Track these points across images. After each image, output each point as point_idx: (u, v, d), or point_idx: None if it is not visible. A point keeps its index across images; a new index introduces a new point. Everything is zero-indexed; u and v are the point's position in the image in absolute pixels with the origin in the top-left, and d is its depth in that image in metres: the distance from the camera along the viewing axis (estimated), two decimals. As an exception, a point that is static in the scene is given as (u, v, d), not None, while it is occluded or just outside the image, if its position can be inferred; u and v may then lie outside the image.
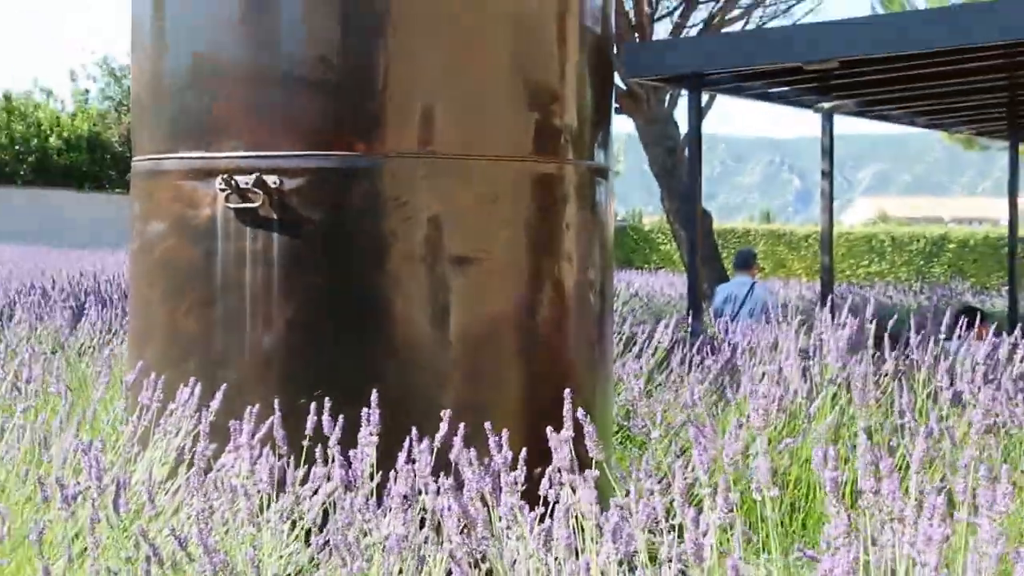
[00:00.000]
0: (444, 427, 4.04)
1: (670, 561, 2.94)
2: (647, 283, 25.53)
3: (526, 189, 5.33)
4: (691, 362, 7.58)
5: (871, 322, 6.83)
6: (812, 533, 5.29)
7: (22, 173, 38.93)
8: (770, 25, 23.11)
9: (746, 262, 15.27)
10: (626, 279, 25.70)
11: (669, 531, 3.11)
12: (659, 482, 3.57)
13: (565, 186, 5.42)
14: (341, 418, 4.16)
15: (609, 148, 5.75)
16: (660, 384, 7.59)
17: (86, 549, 3.59)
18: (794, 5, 23.79)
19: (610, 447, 5.60)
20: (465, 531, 2.92)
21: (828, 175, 17.93)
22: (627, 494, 3.34)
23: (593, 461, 3.61)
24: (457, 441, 3.74)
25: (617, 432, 6.76)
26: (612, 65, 5.95)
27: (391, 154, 5.08)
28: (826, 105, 16.97)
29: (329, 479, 3.87)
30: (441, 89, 5.12)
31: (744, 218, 67.20)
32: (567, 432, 3.54)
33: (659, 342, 8.29)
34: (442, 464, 3.75)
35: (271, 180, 4.99)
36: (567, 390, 4.03)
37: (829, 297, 12.52)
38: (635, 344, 8.41)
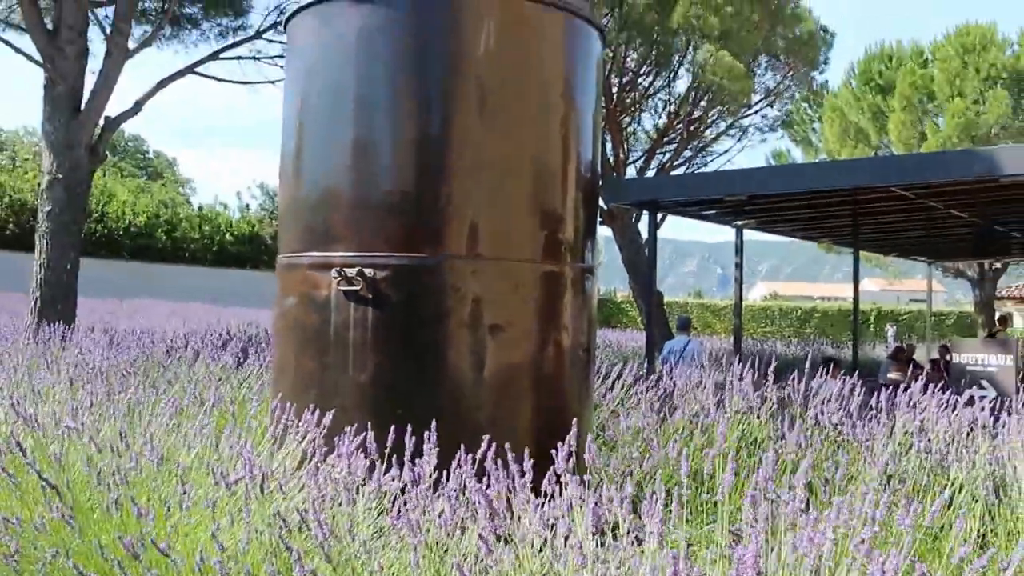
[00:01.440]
0: (484, 446, 3.94)
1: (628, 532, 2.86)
2: (618, 338, 25.43)
3: (539, 281, 5.32)
4: (646, 392, 7.48)
5: (765, 367, 6.75)
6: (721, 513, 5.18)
7: (208, 257, 39.27)
8: (702, 170, 23.19)
9: (684, 325, 15.21)
10: (604, 335, 25.64)
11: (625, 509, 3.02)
12: (622, 474, 3.50)
13: (564, 280, 5.40)
14: (411, 434, 4.08)
15: (595, 252, 5.75)
16: (627, 407, 7.49)
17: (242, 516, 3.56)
18: (716, 158, 23.85)
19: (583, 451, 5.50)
20: (490, 516, 2.83)
21: (739, 267, 17.93)
22: (599, 483, 3.25)
23: (582, 467, 3.55)
24: (489, 454, 3.64)
25: (596, 439, 6.66)
26: (598, 198, 5.91)
27: (448, 256, 5.05)
28: (738, 223, 16.97)
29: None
30: (483, 214, 5.12)
31: (684, 295, 67.00)
32: (567, 448, 3.44)
33: (625, 379, 8.20)
34: (481, 468, 3.70)
35: (368, 271, 5.02)
36: (564, 415, 3.99)
37: (739, 347, 12.45)
38: (609, 378, 8.34)
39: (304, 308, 5.32)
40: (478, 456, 3.72)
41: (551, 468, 3.65)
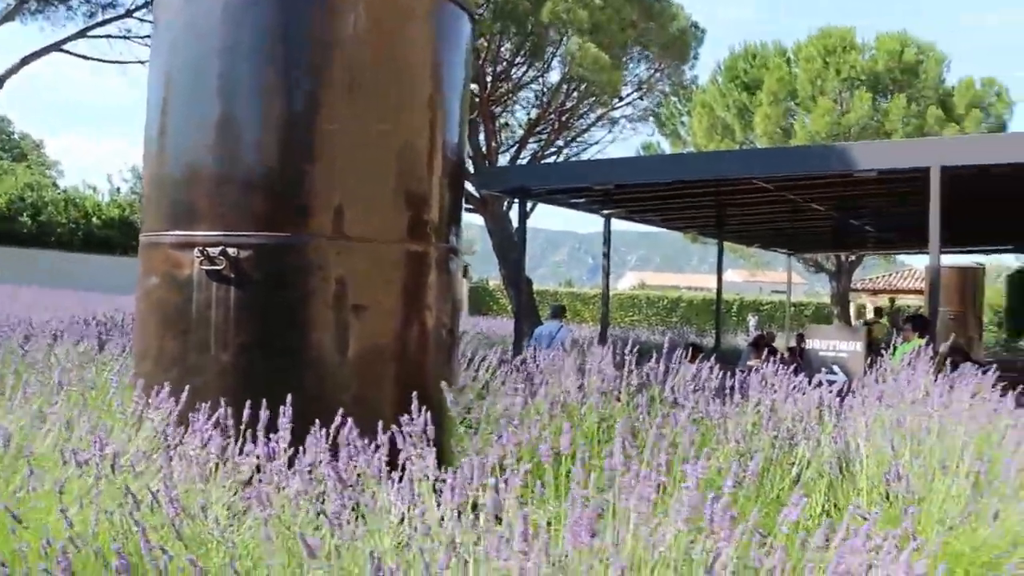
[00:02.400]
0: (342, 421, 3.89)
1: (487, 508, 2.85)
2: (489, 326, 25.46)
3: (403, 261, 5.29)
4: (510, 374, 7.50)
5: (629, 352, 6.83)
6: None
7: (75, 242, 37.84)
8: (573, 159, 23.36)
9: (557, 312, 15.34)
10: (476, 323, 25.67)
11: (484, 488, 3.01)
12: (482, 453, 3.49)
13: (429, 260, 5.37)
14: (266, 410, 4.01)
15: (459, 234, 5.73)
16: (493, 389, 7.50)
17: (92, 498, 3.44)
18: (587, 148, 24.04)
19: (455, 431, 5.50)
20: (342, 488, 2.79)
21: (607, 256, 18.18)
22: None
23: (435, 441, 3.53)
24: (344, 430, 3.59)
25: (461, 422, 6.65)
26: (463, 180, 5.90)
27: (313, 235, 4.98)
28: (606, 211, 17.17)
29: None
30: (348, 194, 5.06)
31: (555, 284, 67.60)
32: (419, 422, 3.41)
33: (491, 363, 8.23)
34: (338, 445, 3.65)
35: (231, 251, 4.91)
36: (428, 395, 3.98)
37: (607, 334, 12.61)
38: (477, 363, 8.36)
39: (166, 288, 5.17)
40: (332, 432, 3.67)
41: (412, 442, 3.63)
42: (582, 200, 16.05)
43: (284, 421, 3.71)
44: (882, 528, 3.86)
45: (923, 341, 8.87)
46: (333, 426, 3.77)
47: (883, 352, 7.89)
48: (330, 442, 3.54)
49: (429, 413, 3.93)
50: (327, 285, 5.03)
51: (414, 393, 4.10)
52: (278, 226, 4.97)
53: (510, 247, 20.70)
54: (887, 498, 4.51)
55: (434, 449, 3.45)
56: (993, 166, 10.79)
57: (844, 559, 2.20)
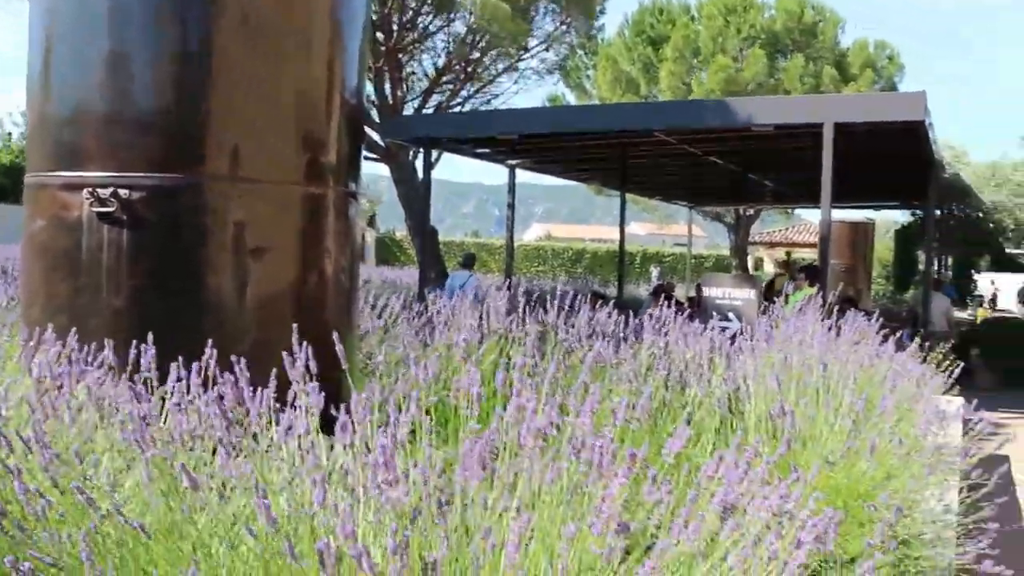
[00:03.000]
0: (209, 352, 3.76)
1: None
2: (396, 275, 25.32)
3: (301, 204, 5.19)
4: (412, 319, 7.46)
5: (530, 299, 6.84)
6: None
7: (-40, 191, 35.94)
8: (479, 109, 23.18)
9: (468, 262, 15.28)
10: (381, 273, 25.48)
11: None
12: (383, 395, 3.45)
13: (328, 203, 5.28)
14: (153, 350, 3.89)
15: (358, 179, 5.65)
16: (395, 335, 7.46)
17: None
18: (493, 99, 23.86)
19: (356, 375, 5.44)
20: (228, 427, 2.72)
21: (511, 206, 18.16)
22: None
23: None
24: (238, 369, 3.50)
25: (364, 368, 6.60)
26: (363, 124, 5.80)
27: (208, 177, 4.85)
28: (512, 162, 17.13)
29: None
30: (244, 135, 4.94)
31: (462, 235, 67.50)
32: (301, 363, 3.34)
33: (393, 309, 8.19)
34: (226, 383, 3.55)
35: (123, 192, 4.74)
36: (327, 338, 3.91)
37: (509, 283, 12.62)
38: (380, 309, 8.32)
39: (55, 231, 4.98)
40: (207, 371, 3.58)
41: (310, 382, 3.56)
42: (487, 150, 15.98)
43: (175, 365, 3.60)
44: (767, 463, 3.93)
45: (814, 290, 9.06)
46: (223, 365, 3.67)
47: (776, 300, 8.02)
48: (217, 379, 3.45)
49: (328, 355, 3.85)
50: (224, 227, 4.91)
51: (312, 336, 4.02)
52: (172, 167, 4.83)
53: (416, 197, 20.50)
54: (774, 436, 4.60)
55: (331, 390, 3.39)
56: (883, 123, 11.02)
57: (730, 488, 2.22)
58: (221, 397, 2.70)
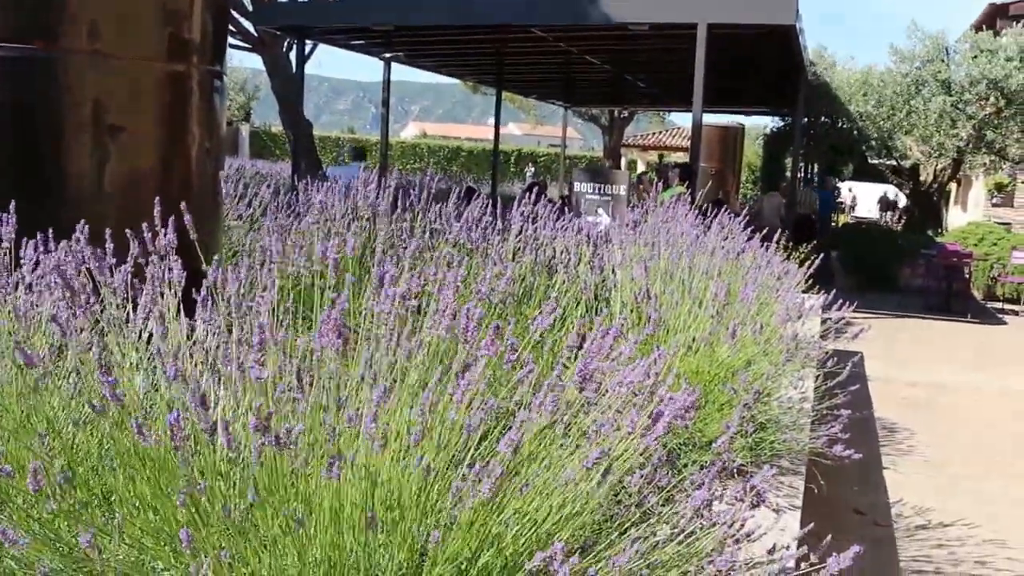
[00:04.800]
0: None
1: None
2: (270, 168, 24.70)
3: (163, 81, 4.93)
4: (281, 209, 7.29)
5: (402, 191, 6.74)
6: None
7: None
8: None
9: (359, 155, 15.07)
10: (255, 166, 24.82)
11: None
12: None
13: (191, 82, 5.03)
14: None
15: (223, 59, 5.39)
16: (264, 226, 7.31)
17: None
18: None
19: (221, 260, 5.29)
20: (73, 297, 2.58)
21: (386, 104, 17.86)
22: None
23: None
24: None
25: (233, 256, 6.45)
26: (227, 2, 5.55)
27: (63, 50, 4.56)
28: (387, 55, 16.78)
29: None
30: (103, 6, 4.63)
31: (338, 131, 66.35)
32: (162, 240, 3.21)
33: (264, 198, 8.04)
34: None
35: (-31, 62, 4.41)
36: (191, 225, 3.74)
37: (384, 176, 12.46)
38: (250, 197, 8.17)
39: None
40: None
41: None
42: (361, 42, 15.60)
43: (31, 246, 3.42)
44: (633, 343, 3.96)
45: (684, 189, 9.16)
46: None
47: (647, 195, 8.07)
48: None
49: (190, 239, 3.70)
50: (80, 106, 4.63)
51: (172, 220, 3.85)
52: (23, 39, 4.52)
53: (290, 90, 19.96)
54: (639, 322, 4.64)
55: (193, 275, 3.27)
56: (755, 26, 11.10)
57: (590, 360, 2.20)
58: (61, 266, 2.55)
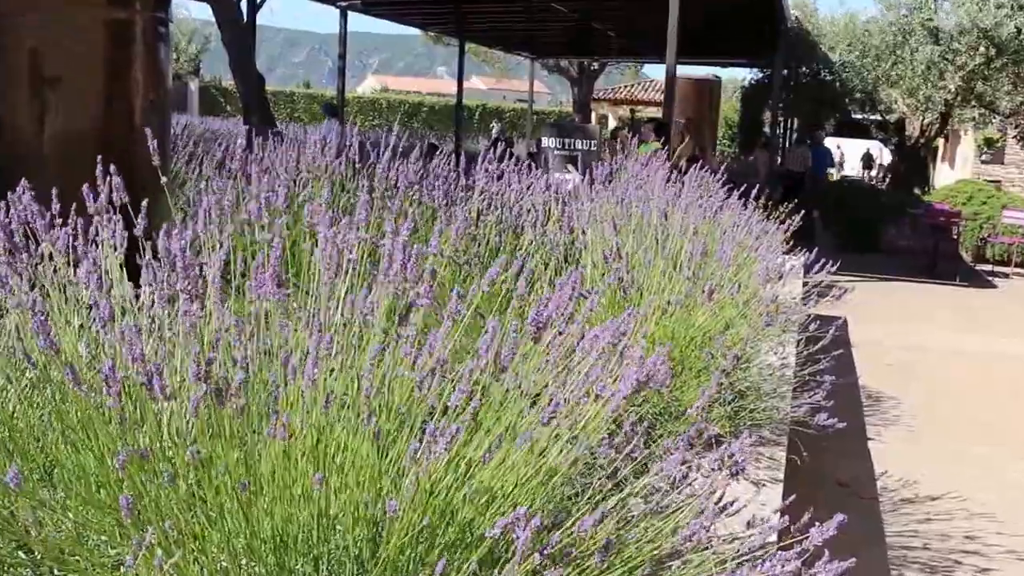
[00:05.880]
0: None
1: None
2: (222, 125, 24.44)
3: (105, 28, 4.86)
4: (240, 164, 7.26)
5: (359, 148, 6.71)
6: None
7: None
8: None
9: (333, 111, 15.05)
10: (207, 124, 24.55)
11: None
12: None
13: (134, 29, 4.96)
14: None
15: (168, 6, 5.32)
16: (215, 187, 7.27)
17: None
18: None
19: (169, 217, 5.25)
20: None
21: (343, 57, 17.73)
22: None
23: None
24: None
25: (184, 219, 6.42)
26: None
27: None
28: (343, 3, 16.64)
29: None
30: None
31: (294, 85, 65.77)
32: (104, 197, 3.18)
33: (216, 156, 7.99)
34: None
35: None
36: (137, 183, 3.70)
37: (342, 133, 12.41)
38: (200, 156, 8.14)
39: None
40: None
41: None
42: (316, -12, 15.48)
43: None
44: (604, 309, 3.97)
45: (659, 145, 9.17)
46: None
47: (621, 152, 8.07)
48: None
49: (134, 197, 3.67)
50: (16, 54, 4.60)
51: (118, 179, 3.81)
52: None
53: (241, 42, 19.72)
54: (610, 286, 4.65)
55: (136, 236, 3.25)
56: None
57: (543, 309, 2.20)
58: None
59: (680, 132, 14.60)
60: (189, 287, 2.18)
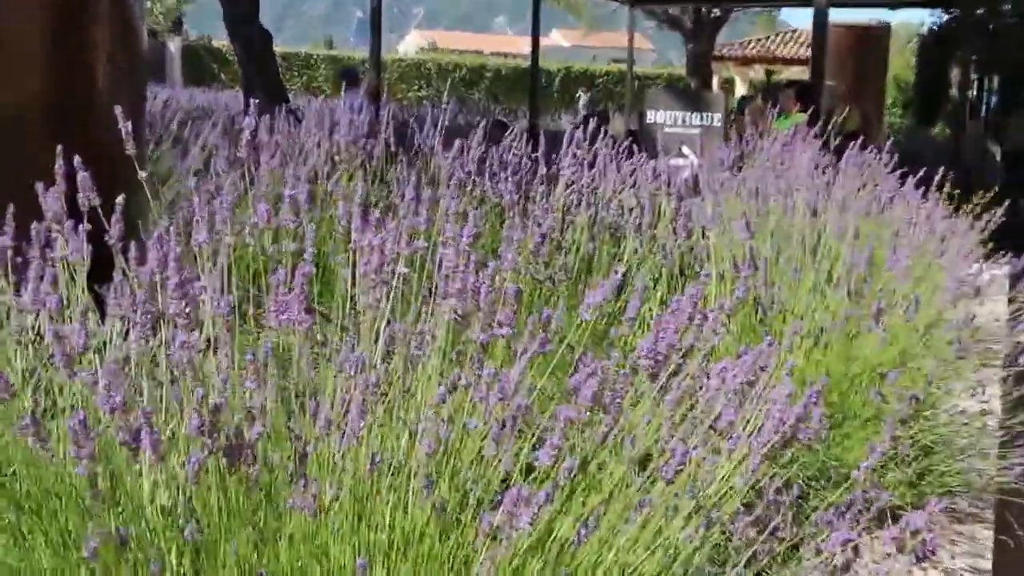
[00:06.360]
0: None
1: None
2: (213, 98, 24.78)
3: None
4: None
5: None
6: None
7: None
8: None
9: (353, 76, 15.31)
10: (192, 96, 24.89)
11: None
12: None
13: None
14: None
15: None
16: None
17: None
18: None
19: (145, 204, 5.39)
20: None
21: (377, 7, 17.86)
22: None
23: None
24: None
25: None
26: None
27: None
28: (375, -69, 16.80)
29: None
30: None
31: (310, 44, 66.15)
32: (60, 187, 3.28)
33: (208, 141, 8.14)
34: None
35: None
36: (103, 159, 3.82)
37: (378, 108, 12.52)
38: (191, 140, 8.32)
39: None
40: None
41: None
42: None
43: None
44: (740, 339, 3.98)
45: (805, 116, 9.12)
46: None
47: (756, 128, 8.05)
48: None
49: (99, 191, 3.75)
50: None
51: (77, 159, 3.91)
52: None
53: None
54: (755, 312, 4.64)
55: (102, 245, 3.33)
56: None
57: (665, 332, 2.21)
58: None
59: (837, 99, 14.45)
60: (186, 310, 2.22)
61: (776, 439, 2.11)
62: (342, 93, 15.65)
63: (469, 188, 5.52)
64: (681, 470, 2.10)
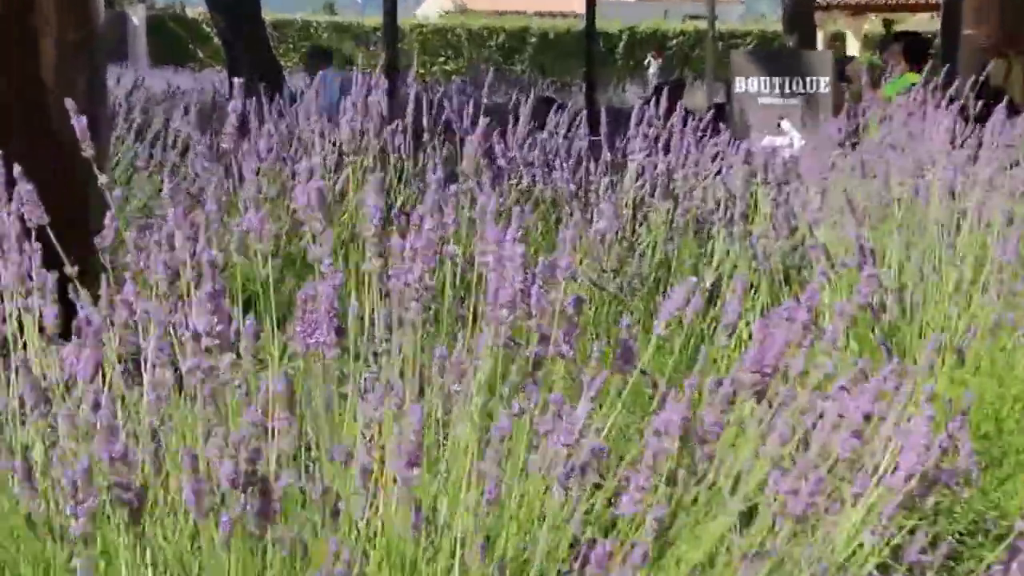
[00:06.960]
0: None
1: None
2: (189, 81, 24.92)
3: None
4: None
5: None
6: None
7: None
8: None
9: (327, 56, 15.55)
10: (163, 76, 25.05)
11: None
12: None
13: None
14: None
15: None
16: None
17: None
18: None
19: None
20: None
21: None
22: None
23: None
24: None
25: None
26: None
27: None
28: None
29: None
30: None
31: (308, 11, 66.43)
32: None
33: (185, 136, 8.26)
34: None
35: None
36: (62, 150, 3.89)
37: (394, 87, 12.60)
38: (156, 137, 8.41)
39: None
40: None
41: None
42: None
43: None
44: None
45: (920, 77, 9.06)
46: None
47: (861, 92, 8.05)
48: None
49: (54, 204, 3.79)
50: None
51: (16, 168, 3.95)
52: None
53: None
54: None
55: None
56: None
57: (765, 352, 2.22)
58: None
59: (978, 52, 14.31)
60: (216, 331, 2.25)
61: (914, 481, 2.10)
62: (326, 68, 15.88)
63: (513, 181, 5.55)
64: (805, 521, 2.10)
